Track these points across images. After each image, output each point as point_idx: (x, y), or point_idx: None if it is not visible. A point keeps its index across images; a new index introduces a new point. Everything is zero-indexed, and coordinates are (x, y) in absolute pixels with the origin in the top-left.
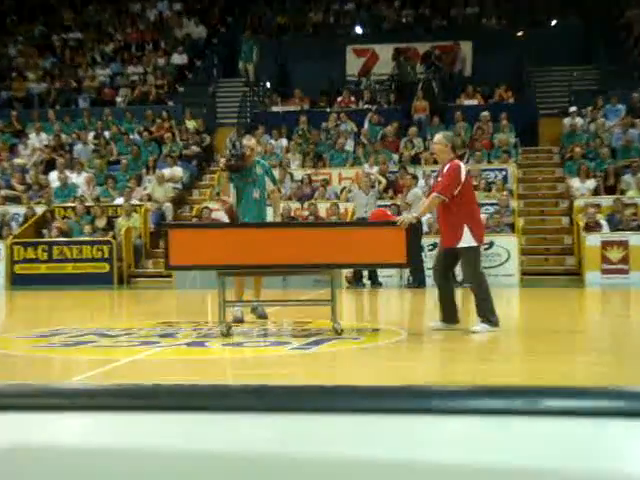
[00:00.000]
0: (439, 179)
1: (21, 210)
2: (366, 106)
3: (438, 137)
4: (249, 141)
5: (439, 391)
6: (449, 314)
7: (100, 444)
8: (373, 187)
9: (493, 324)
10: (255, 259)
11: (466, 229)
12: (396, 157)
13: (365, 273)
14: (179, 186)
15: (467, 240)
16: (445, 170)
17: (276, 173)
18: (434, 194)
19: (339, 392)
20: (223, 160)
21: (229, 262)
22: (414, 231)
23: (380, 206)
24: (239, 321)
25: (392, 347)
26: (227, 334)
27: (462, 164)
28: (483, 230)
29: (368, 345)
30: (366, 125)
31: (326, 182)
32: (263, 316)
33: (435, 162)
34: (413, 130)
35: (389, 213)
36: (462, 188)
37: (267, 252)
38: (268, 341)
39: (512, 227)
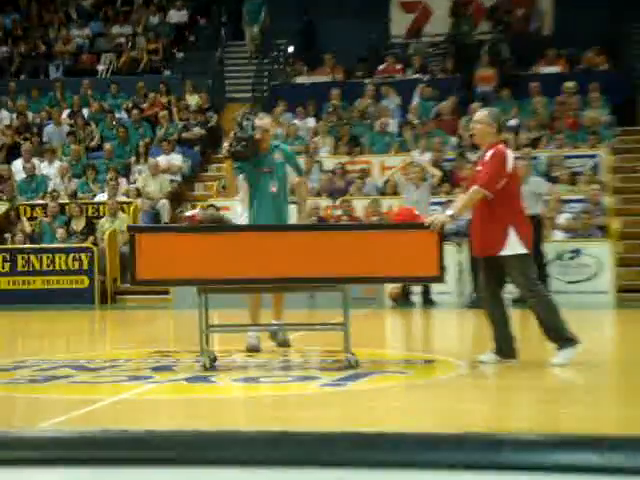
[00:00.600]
0: (479, 168)
1: None
2: (415, 76)
3: (481, 115)
4: (262, 120)
5: (510, 441)
6: (504, 345)
7: None
8: (425, 179)
9: (572, 343)
10: (245, 271)
11: (512, 232)
12: (454, 141)
13: (417, 289)
14: (178, 178)
15: (513, 246)
16: (487, 157)
17: (301, 162)
18: (474, 188)
19: (381, 441)
20: (226, 145)
21: (213, 276)
22: (535, 229)
23: (435, 204)
24: (255, 350)
25: (449, 384)
26: (210, 367)
27: (508, 150)
28: (531, 234)
29: (418, 381)
30: (415, 100)
31: (364, 173)
32: (284, 343)
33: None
34: (476, 106)
35: (417, 213)
36: (508, 181)
37: (260, 262)
38: (291, 376)
39: (604, 230)
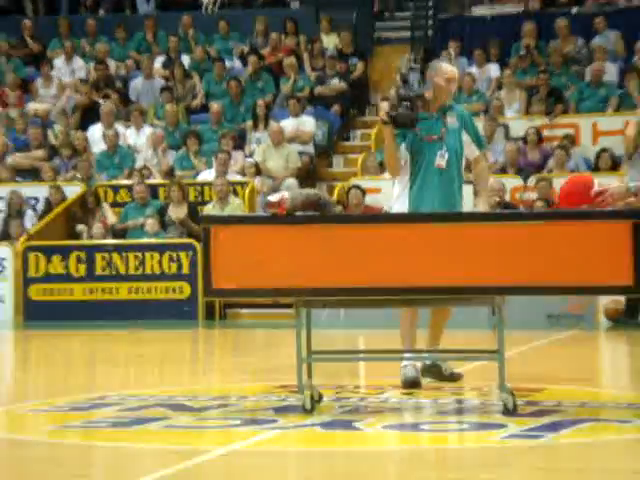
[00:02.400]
0: None
1: (41, 191)
2: None
3: None
4: (444, 69)
5: None
6: None
7: None
8: None
9: None
10: (363, 279)
11: None
12: None
13: None
14: (309, 149)
15: None
16: None
17: (481, 127)
18: None
19: None
20: (385, 106)
21: (319, 284)
22: None
23: None
24: (413, 384)
25: None
26: (311, 410)
27: None
28: None
29: None
30: None
31: (570, 140)
32: (452, 377)
33: None
34: None
35: (595, 185)
36: None
37: (385, 267)
38: (464, 422)
39: None
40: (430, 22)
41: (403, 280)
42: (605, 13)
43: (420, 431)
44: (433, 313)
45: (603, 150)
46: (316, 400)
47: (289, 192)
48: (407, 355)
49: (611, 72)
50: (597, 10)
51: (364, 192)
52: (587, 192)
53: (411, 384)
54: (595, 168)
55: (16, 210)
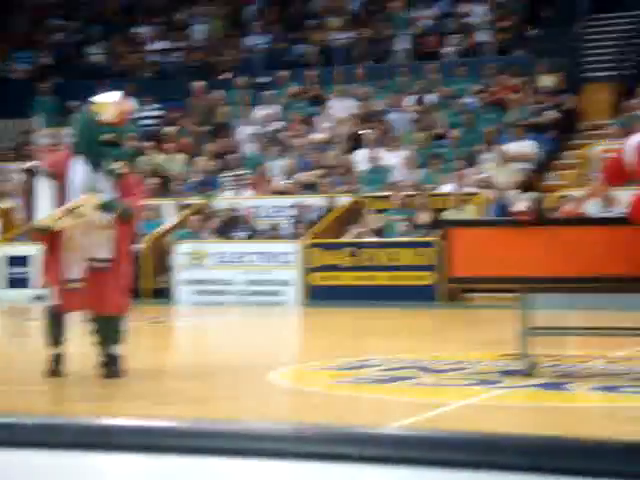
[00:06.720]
0: None
1: (320, 201)
2: None
3: None
4: None
5: None
6: None
7: None
8: None
9: None
10: (573, 269)
11: None
12: None
13: None
14: (529, 166)
15: None
16: None
17: None
18: None
19: None
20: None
21: (535, 274)
22: None
23: None
24: None
25: None
26: (531, 374)
27: None
28: None
29: None
30: None
31: None
32: None
33: None
34: None
35: None
36: None
37: (590, 260)
38: None
39: None
40: (630, 63)
41: (605, 271)
42: None
43: (621, 392)
44: None
45: None
46: (534, 366)
47: (526, 201)
48: (581, 332)
49: None
50: None
51: (578, 202)
52: None
53: None
54: None
55: (303, 215)
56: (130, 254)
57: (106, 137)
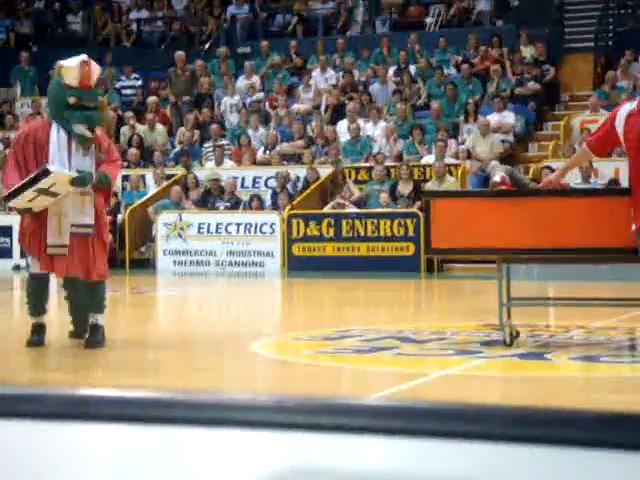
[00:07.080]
0: None
1: (301, 172)
2: None
3: None
4: None
5: None
6: None
7: (400, 475)
8: None
9: None
10: (551, 241)
11: None
12: None
13: None
14: (510, 138)
15: None
16: None
17: None
18: None
19: None
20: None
21: (514, 245)
22: None
23: None
24: None
25: None
26: (511, 344)
27: None
28: None
29: None
30: None
31: None
32: None
33: None
34: None
35: None
36: None
37: (569, 232)
38: (636, 356)
39: None
40: (610, 35)
41: (584, 242)
42: None
43: (599, 362)
44: None
45: None
46: (514, 336)
47: (501, 172)
48: (561, 302)
49: None
50: None
51: (553, 171)
52: None
53: None
54: None
55: (283, 186)
56: (106, 220)
57: (71, 100)
